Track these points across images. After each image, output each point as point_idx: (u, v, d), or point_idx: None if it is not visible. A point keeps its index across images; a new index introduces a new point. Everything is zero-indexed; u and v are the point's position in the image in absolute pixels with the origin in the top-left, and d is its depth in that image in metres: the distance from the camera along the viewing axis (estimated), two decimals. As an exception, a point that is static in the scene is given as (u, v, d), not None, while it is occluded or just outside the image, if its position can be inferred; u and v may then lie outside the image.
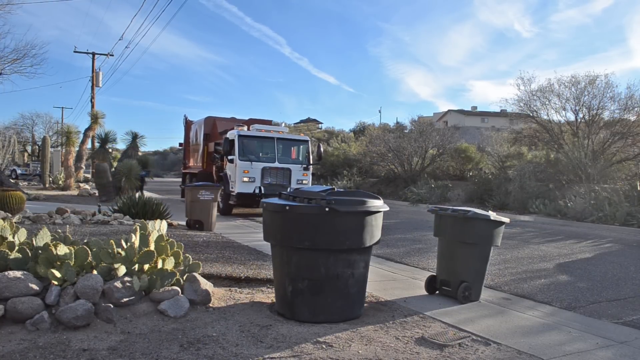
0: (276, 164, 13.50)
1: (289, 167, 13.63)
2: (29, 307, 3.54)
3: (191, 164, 18.69)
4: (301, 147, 14.53)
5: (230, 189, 13.45)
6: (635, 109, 18.38)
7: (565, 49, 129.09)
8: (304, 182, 13.79)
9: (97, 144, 19.95)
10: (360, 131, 41.44)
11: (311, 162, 14.44)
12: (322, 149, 15.42)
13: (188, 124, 19.41)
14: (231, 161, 13.33)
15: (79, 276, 3.88)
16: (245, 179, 12.96)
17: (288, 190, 4.72)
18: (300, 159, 14.36)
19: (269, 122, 16.44)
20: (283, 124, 15.53)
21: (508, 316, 4.58)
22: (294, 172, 13.66)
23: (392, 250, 8.48)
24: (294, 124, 55.48)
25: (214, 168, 15.49)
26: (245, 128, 14.03)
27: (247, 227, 11.34)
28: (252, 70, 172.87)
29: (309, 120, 69.61)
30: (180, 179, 41.83)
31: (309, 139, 15.05)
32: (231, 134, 13.67)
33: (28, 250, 4.06)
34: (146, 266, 4.23)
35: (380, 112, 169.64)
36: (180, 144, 20.93)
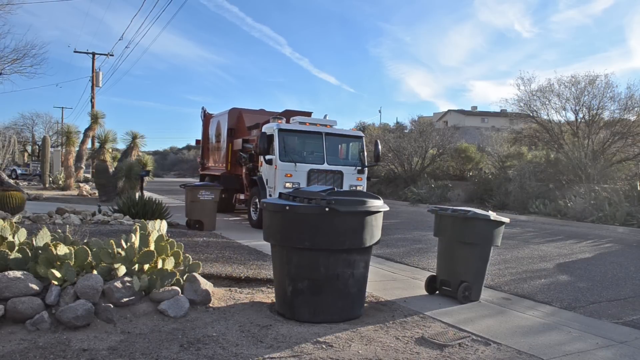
0: (325, 166, 10.94)
1: (340, 169, 11.08)
2: (29, 307, 3.54)
3: (211, 164, 16.18)
4: (354, 144, 11.92)
5: (268, 197, 10.83)
6: (635, 109, 18.41)
7: (566, 49, 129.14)
8: (357, 188, 11.19)
9: (97, 144, 19.84)
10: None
11: (366, 163, 11.84)
12: (380, 148, 12.62)
13: (207, 118, 16.77)
14: (269, 162, 10.74)
15: (79, 276, 3.88)
16: (288, 184, 10.43)
17: None
18: (351, 159, 11.76)
19: (308, 115, 13.27)
20: (326, 116, 12.37)
21: (508, 316, 4.58)
22: (347, 176, 11.13)
23: (392, 250, 8.48)
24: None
25: (243, 170, 12.88)
26: (284, 121, 11.50)
27: (247, 227, 11.34)
28: (253, 71, 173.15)
29: (309, 120, 69.43)
30: (180, 179, 41.96)
31: (363, 134, 12.43)
32: (269, 128, 11.11)
33: (28, 250, 4.06)
34: (146, 266, 4.23)
35: (380, 112, 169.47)
36: (197, 141, 18.10)
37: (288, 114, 12.38)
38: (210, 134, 16.44)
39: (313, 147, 11.42)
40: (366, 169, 11.68)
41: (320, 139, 11.26)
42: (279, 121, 11.25)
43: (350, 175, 11.23)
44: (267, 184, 11.02)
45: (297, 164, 10.61)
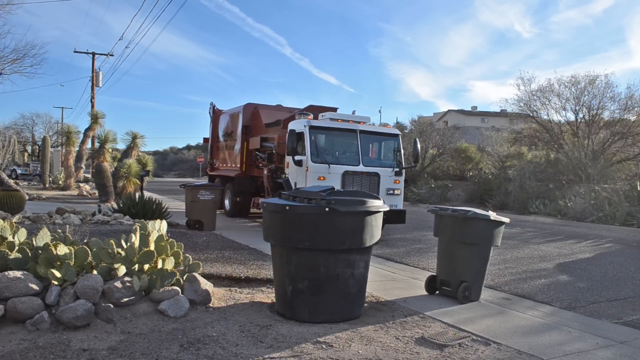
0: (360, 167, 9.87)
1: (376, 171, 10.03)
2: (29, 307, 3.54)
3: (221, 164, 15.08)
4: (390, 143, 10.83)
5: None
6: (635, 109, 18.43)
7: (566, 49, 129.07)
8: (395, 192, 10.22)
9: (97, 144, 19.81)
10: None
11: (404, 164, 10.70)
12: (419, 147, 11.22)
13: (216, 114, 15.61)
14: (298, 163, 9.69)
15: (79, 276, 3.88)
16: None
17: None
18: (387, 159, 10.67)
19: (334, 110, 11.95)
20: (354, 112, 11.11)
21: (508, 316, 4.58)
22: (383, 179, 10.03)
23: (392, 250, 8.48)
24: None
25: (264, 171, 11.69)
26: (312, 117, 10.40)
27: (248, 227, 11.34)
28: (253, 71, 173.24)
29: (309, 120, 69.32)
30: (180, 179, 41.88)
31: (399, 133, 11.19)
32: (297, 125, 10.06)
33: (28, 250, 4.06)
34: (146, 266, 4.23)
35: (380, 112, 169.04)
36: (205, 140, 16.94)
37: (313, 110, 11.19)
38: (220, 132, 15.41)
39: (346, 147, 10.34)
40: (404, 170, 10.58)
41: (354, 138, 10.15)
42: (308, 117, 10.23)
43: (387, 177, 10.16)
44: (295, 187, 9.93)
45: (330, 165, 9.58)
